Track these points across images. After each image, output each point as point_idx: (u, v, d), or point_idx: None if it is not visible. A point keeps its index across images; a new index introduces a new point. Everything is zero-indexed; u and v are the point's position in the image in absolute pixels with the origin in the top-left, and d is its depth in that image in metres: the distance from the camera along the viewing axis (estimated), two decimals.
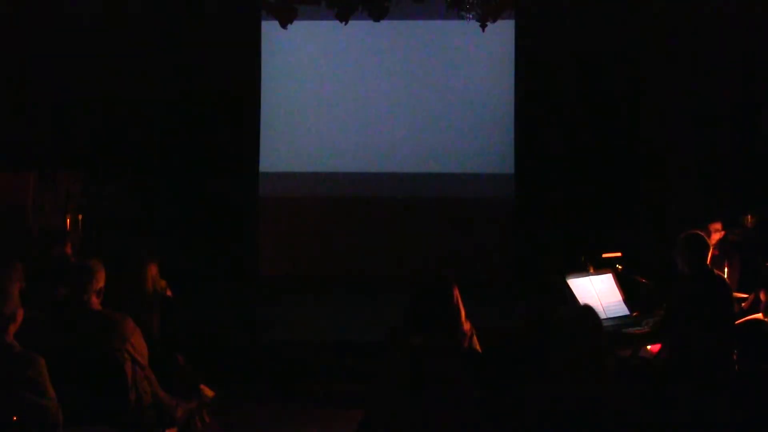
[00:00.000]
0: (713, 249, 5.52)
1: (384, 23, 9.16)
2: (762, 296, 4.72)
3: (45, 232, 7.12)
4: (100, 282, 3.79)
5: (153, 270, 4.78)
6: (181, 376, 4.40)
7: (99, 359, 3.62)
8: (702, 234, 4.74)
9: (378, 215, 9.44)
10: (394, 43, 9.52)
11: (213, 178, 9.05)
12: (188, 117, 9.05)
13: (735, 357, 4.49)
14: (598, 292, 4.94)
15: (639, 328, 4.84)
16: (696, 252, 4.55)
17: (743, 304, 5.31)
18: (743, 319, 5.07)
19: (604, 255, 5.48)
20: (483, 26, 9.01)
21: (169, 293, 5.01)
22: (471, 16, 8.93)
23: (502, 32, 9.18)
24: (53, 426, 3.14)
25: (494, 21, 9.00)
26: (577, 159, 8.87)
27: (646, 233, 8.37)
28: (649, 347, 4.85)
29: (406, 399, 3.43)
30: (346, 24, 9.16)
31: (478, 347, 3.76)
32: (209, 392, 4.57)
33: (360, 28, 9.28)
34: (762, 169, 8.15)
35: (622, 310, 4.99)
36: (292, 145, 9.56)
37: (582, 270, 5.14)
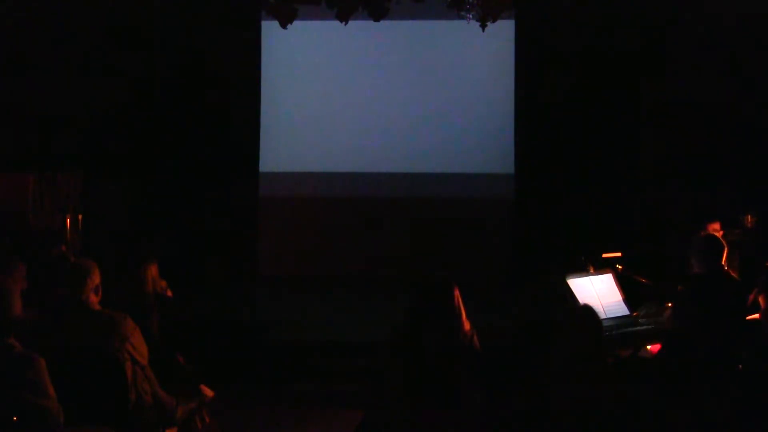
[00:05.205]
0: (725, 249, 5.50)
1: (384, 23, 9.16)
2: (761, 301, 4.72)
3: (45, 232, 7.11)
4: (96, 280, 3.78)
5: (153, 270, 4.78)
6: (181, 376, 4.40)
7: (99, 359, 3.62)
8: (716, 235, 4.74)
9: (378, 215, 9.44)
10: (394, 43, 9.52)
11: (213, 178, 9.05)
12: (188, 117, 9.05)
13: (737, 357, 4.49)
14: (598, 292, 4.93)
15: (639, 327, 4.84)
16: (711, 253, 4.55)
17: None
18: None
19: (604, 255, 5.47)
20: (483, 26, 9.00)
21: (169, 293, 5.01)
22: (471, 16, 8.92)
23: (502, 32, 9.18)
24: (53, 426, 3.14)
25: (494, 21, 9.00)
26: (577, 159, 8.88)
27: (646, 233, 8.38)
28: (649, 347, 4.85)
29: (406, 399, 3.44)
30: (346, 24, 9.16)
31: (478, 347, 3.76)
32: (209, 392, 4.57)
33: (360, 28, 9.27)
34: (762, 169, 8.15)
35: (622, 310, 4.98)
36: (292, 145, 9.56)
37: (582, 270, 5.13)
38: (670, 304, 4.75)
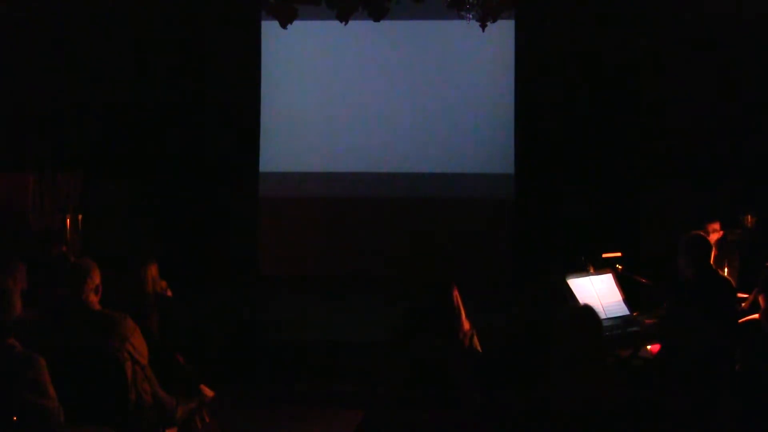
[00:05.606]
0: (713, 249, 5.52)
1: (384, 23, 9.16)
2: (761, 301, 4.72)
3: (45, 232, 7.12)
4: (96, 280, 3.78)
5: (153, 270, 4.78)
6: (181, 376, 4.40)
7: (99, 359, 3.62)
8: (703, 235, 4.74)
9: (378, 215, 9.45)
10: (394, 43, 9.52)
11: (213, 178, 9.05)
12: (188, 117, 9.05)
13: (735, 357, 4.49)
14: (598, 292, 4.94)
15: (637, 328, 4.85)
16: (699, 253, 4.55)
17: (743, 304, 5.32)
18: (743, 319, 5.07)
19: (604, 255, 5.48)
20: (483, 26, 9.01)
21: (169, 293, 5.01)
22: (471, 16, 8.93)
23: (502, 32, 9.18)
24: (54, 426, 3.15)
25: (494, 21, 9.00)
26: (577, 159, 8.88)
27: (646, 233, 8.38)
28: (649, 347, 4.85)
29: (406, 399, 3.44)
30: (346, 24, 9.16)
31: (478, 347, 3.77)
32: (209, 392, 4.57)
33: (360, 28, 9.27)
34: (762, 169, 8.15)
35: (622, 310, 4.99)
36: (292, 145, 9.56)
37: (582, 270, 5.14)
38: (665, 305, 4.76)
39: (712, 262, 4.69)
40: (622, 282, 5.13)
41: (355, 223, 9.47)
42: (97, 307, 3.80)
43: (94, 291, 3.77)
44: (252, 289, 8.85)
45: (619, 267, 5.29)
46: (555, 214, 8.84)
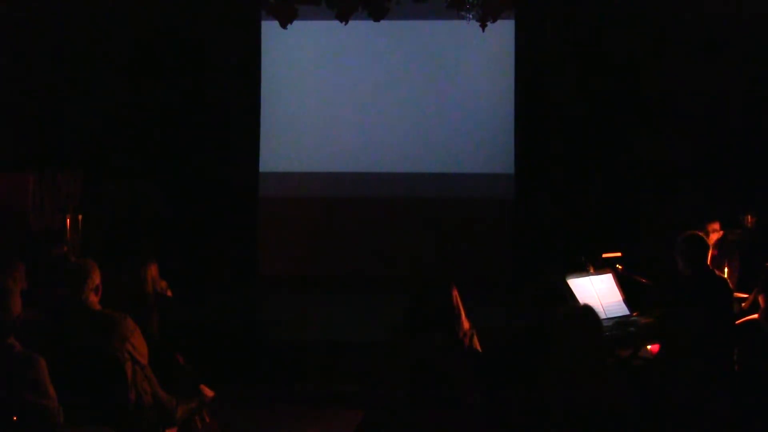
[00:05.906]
0: (712, 249, 5.53)
1: (384, 23, 9.16)
2: (761, 300, 4.72)
3: (45, 233, 7.12)
4: (96, 280, 3.79)
5: (153, 270, 4.78)
6: (181, 376, 4.40)
7: (99, 359, 3.62)
8: (701, 234, 4.75)
9: (378, 215, 9.44)
10: (394, 43, 9.52)
11: (213, 178, 9.06)
12: (188, 117, 9.05)
13: (734, 357, 4.49)
14: (598, 292, 4.94)
15: (639, 327, 4.85)
16: (696, 252, 4.56)
17: (743, 304, 5.32)
18: (743, 319, 5.08)
19: (604, 255, 5.48)
20: (483, 26, 9.01)
21: (169, 293, 5.02)
22: (471, 16, 8.93)
23: (502, 32, 9.18)
24: (53, 426, 3.15)
25: (494, 21, 9.00)
26: (577, 159, 8.88)
27: (646, 233, 8.38)
28: (649, 347, 4.85)
29: (406, 399, 3.44)
30: (346, 24, 9.16)
31: (478, 347, 3.76)
32: (209, 392, 4.58)
33: (360, 28, 9.27)
34: (762, 169, 8.15)
35: (622, 310, 4.99)
36: (292, 145, 9.56)
37: (582, 270, 5.14)
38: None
39: (712, 262, 4.69)
40: (622, 282, 5.13)
41: (355, 223, 9.47)
42: (97, 307, 3.80)
43: (94, 291, 3.78)
44: (252, 289, 8.85)
45: (619, 267, 5.29)
46: (555, 214, 8.84)
